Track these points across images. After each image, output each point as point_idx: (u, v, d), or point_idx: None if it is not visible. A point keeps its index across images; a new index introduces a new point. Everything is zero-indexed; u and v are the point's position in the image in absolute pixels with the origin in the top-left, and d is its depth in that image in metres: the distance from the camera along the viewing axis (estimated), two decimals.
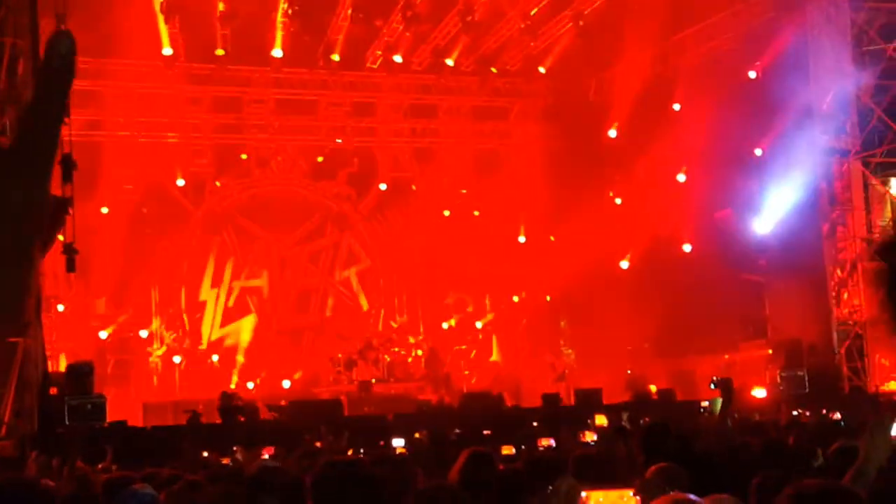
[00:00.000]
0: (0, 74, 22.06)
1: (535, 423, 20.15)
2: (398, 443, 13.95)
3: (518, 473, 6.65)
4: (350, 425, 20.37)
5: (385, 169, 35.40)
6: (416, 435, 14.55)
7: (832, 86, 26.00)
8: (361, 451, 13.92)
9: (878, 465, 5.09)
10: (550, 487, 3.67)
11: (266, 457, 14.00)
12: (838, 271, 26.21)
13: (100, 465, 13.59)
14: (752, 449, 8.76)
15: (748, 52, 28.07)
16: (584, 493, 3.63)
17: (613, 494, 3.71)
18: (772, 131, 26.83)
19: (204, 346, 33.21)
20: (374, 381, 30.40)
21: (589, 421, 17.84)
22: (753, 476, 6.66)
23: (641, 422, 14.80)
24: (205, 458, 17.06)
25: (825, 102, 25.93)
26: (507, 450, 13.69)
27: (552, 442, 13.81)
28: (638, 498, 3.76)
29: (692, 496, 3.11)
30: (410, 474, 7.54)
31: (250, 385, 31.19)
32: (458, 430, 16.02)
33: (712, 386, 24.48)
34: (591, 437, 12.08)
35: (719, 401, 11.61)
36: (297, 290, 35.43)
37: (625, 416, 16.15)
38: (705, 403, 18.34)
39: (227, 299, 34.33)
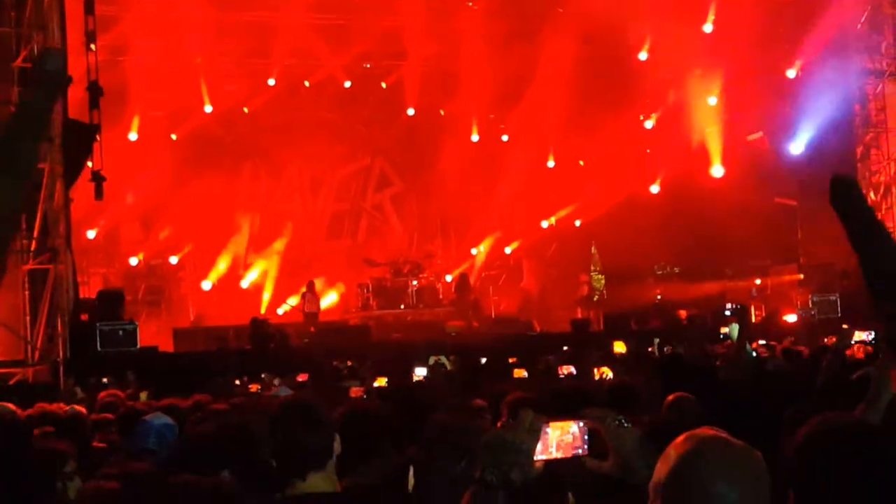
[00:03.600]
0: (27, 2, 22.04)
1: (565, 348, 20.12)
2: (421, 371, 13.91)
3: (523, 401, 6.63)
4: (375, 352, 20.52)
5: (413, 94, 35.19)
6: (433, 360, 14.49)
7: (867, 6, 25.66)
8: (385, 379, 13.91)
9: (890, 395, 5.06)
10: (511, 420, 3.64)
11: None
12: (872, 194, 26.01)
13: (126, 392, 13.68)
14: (773, 381, 8.72)
15: None
16: (547, 427, 3.59)
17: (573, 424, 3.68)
18: (805, 53, 26.52)
19: (236, 271, 33.30)
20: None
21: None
22: (772, 408, 6.61)
23: (666, 349, 14.79)
24: (235, 385, 17.19)
25: (859, 22, 25.60)
26: (519, 373, 13.67)
27: (573, 369, 13.74)
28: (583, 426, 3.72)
29: (720, 433, 3.05)
30: (426, 405, 7.54)
31: (284, 309, 31.24)
32: (483, 359, 16.00)
33: (728, 313, 24.43)
34: (606, 372, 11.98)
35: (735, 327, 11.49)
36: (329, 214, 35.50)
37: (656, 342, 16.05)
38: (725, 330, 18.22)
39: (260, 224, 34.41)
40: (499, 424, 3.86)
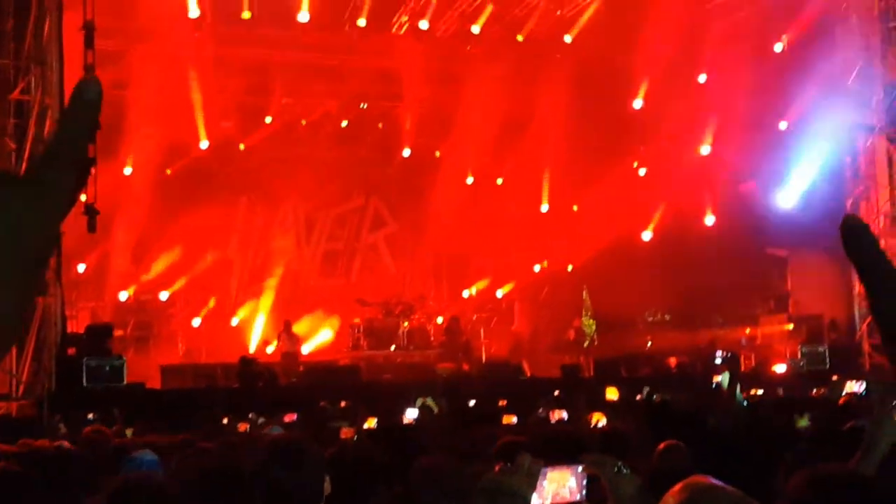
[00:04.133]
0: (26, 34, 22.13)
1: (556, 393, 20.11)
2: (412, 413, 13.91)
3: (515, 445, 6.63)
4: (365, 393, 20.49)
5: (409, 135, 35.33)
6: (420, 402, 14.47)
7: (858, 61, 25.82)
8: (375, 420, 13.90)
9: (887, 446, 5.06)
10: (510, 464, 3.63)
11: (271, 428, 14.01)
12: None
13: (112, 428, 13.63)
14: (762, 429, 8.73)
15: (775, 24, 27.91)
16: (545, 470, 3.59)
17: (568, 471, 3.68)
18: (797, 105, 26.69)
19: (227, 308, 33.27)
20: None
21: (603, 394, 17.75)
22: (762, 456, 6.62)
23: (655, 397, 14.80)
24: (223, 424, 17.13)
25: (851, 77, 25.76)
26: (508, 419, 13.67)
27: (564, 414, 13.74)
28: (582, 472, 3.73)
29: (713, 481, 3.06)
30: (417, 446, 7.54)
31: (271, 349, 31.22)
32: (472, 401, 16.00)
33: (718, 361, 24.50)
34: (598, 418, 11.97)
35: (726, 375, 11.54)
36: (322, 253, 35.55)
37: (645, 389, 16.07)
38: (718, 379, 18.30)
39: (253, 262, 34.44)
40: (496, 468, 3.84)
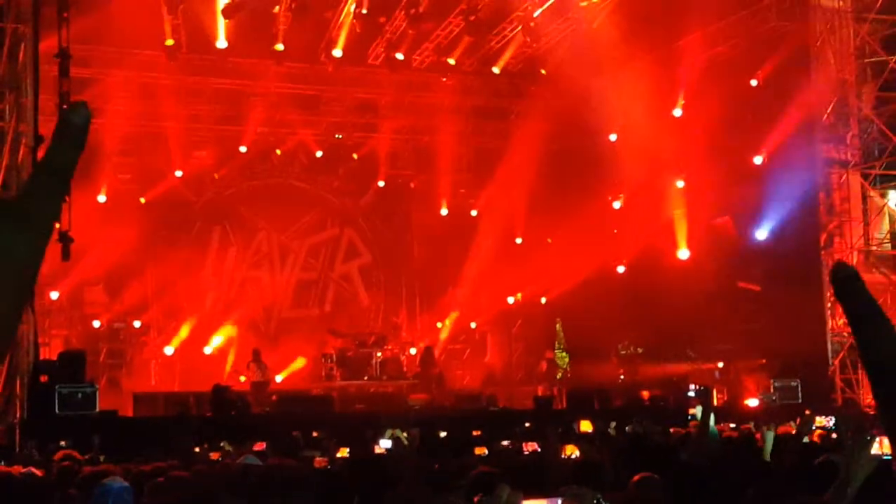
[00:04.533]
0: (1, 60, 22.09)
1: (527, 424, 20.12)
2: (385, 443, 13.88)
3: (487, 475, 6.63)
4: (337, 423, 20.45)
5: (384, 166, 35.41)
6: (389, 433, 14.42)
7: (833, 96, 26.00)
8: (348, 450, 13.87)
9: (860, 481, 5.07)
10: (487, 497, 3.64)
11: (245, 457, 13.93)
12: None
13: (86, 456, 13.56)
14: (732, 462, 8.74)
15: (751, 60, 28.04)
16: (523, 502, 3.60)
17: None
18: (772, 140, 26.82)
19: (200, 337, 33.13)
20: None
21: (574, 425, 17.76)
22: (733, 488, 6.64)
23: (627, 429, 14.81)
24: (195, 452, 17.03)
25: (826, 113, 25.93)
26: (480, 451, 13.65)
27: (537, 447, 13.75)
28: None
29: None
30: (389, 477, 7.53)
31: (243, 378, 31.11)
32: (443, 433, 15.96)
33: (691, 394, 24.56)
34: (572, 450, 11.97)
35: (699, 409, 11.52)
36: (295, 283, 35.49)
37: (612, 424, 16.06)
38: (693, 411, 18.34)
39: (227, 291, 34.36)
40: (475, 500, 3.84)
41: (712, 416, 10.72)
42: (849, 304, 1.28)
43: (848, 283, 1.28)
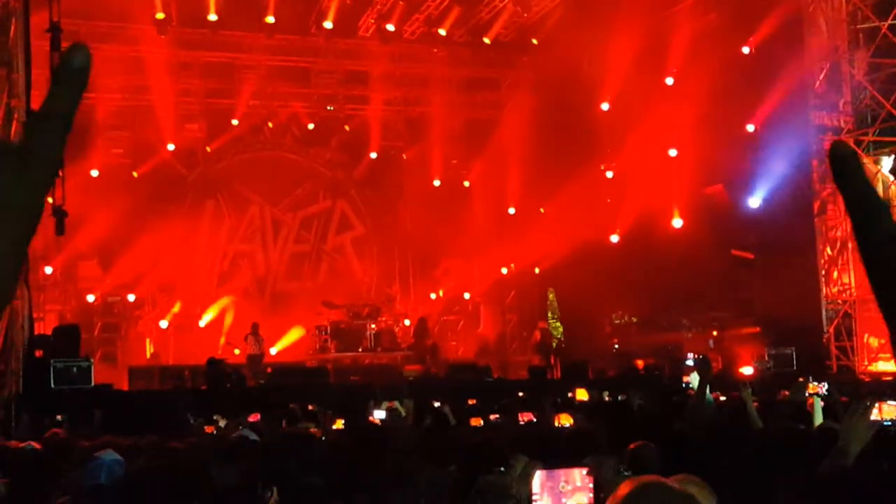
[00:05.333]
0: None
1: (521, 394, 20.15)
2: (379, 414, 13.91)
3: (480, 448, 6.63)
4: (333, 395, 20.47)
5: (376, 137, 35.37)
6: (386, 406, 14.46)
7: (825, 63, 25.95)
8: (343, 422, 13.89)
9: (858, 448, 5.09)
10: (502, 468, 3.64)
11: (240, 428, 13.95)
12: (828, 249, 26.18)
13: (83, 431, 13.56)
14: (728, 430, 8.76)
15: (742, 27, 27.96)
16: (539, 471, 3.60)
17: (572, 473, 3.68)
18: (764, 107, 26.78)
19: (194, 310, 33.15)
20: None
21: (570, 395, 17.79)
22: (726, 456, 6.65)
23: (621, 398, 14.84)
24: (190, 425, 17.05)
25: (818, 80, 25.89)
26: (475, 421, 13.65)
27: (533, 416, 13.77)
28: (589, 476, 3.73)
29: (663, 479, 3.07)
30: (386, 445, 7.54)
31: (237, 351, 31.12)
32: (437, 403, 15.94)
33: (689, 363, 24.59)
34: (566, 420, 11.98)
35: (695, 377, 11.53)
36: (289, 256, 35.48)
37: (605, 393, 16.10)
38: (687, 380, 18.37)
39: (221, 264, 34.37)
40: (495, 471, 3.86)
41: (707, 385, 10.75)
42: (845, 187, 1.27)
43: (845, 164, 1.27)
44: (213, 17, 29.75)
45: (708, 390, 11.19)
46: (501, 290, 36.43)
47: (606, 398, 15.77)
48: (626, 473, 3.93)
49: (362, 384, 24.82)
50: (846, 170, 1.27)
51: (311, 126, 34.67)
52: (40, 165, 1.23)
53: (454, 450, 7.62)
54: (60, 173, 22.37)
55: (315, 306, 32.33)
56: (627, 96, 29.89)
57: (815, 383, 15.13)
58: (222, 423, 15.92)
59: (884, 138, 26.11)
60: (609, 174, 32.64)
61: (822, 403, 9.71)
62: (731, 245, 28.31)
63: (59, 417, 17.01)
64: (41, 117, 1.26)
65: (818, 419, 8.87)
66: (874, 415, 5.24)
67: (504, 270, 36.10)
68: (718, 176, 28.95)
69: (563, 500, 3.67)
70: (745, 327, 28.01)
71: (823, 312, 25.95)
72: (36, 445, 10.16)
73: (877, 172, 26.42)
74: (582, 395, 17.82)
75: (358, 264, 36.27)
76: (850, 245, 25.71)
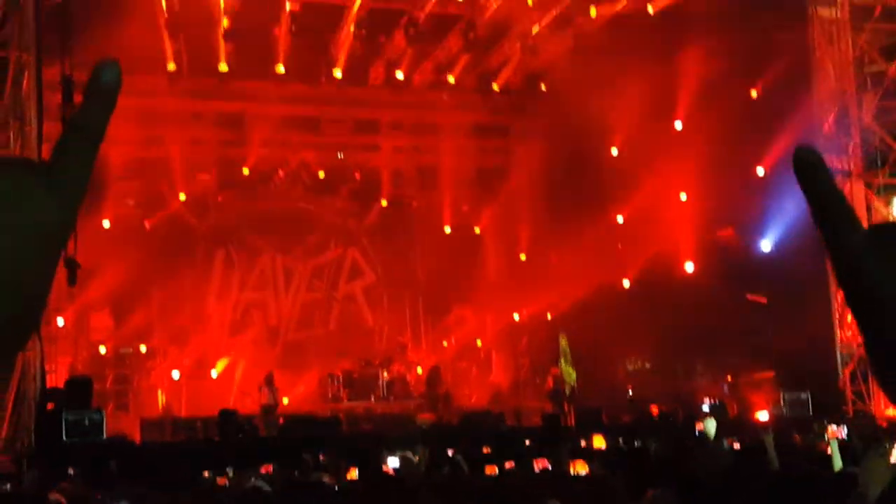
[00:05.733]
0: (5, 88, 22.11)
1: (527, 442, 20.06)
2: (393, 463, 13.86)
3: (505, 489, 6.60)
4: (345, 444, 20.38)
5: (387, 185, 35.46)
6: (402, 453, 14.40)
7: (834, 106, 25.98)
8: (356, 471, 13.83)
9: (878, 491, 5.04)
10: None
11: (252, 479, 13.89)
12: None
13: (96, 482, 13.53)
14: (742, 474, 8.70)
15: (750, 72, 28.02)
16: None
17: None
18: (774, 151, 26.78)
19: (207, 361, 33.10)
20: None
21: (584, 442, 17.74)
22: (743, 501, 6.59)
23: (637, 444, 14.76)
24: (203, 477, 16.98)
25: (827, 123, 25.90)
26: (490, 469, 13.57)
27: (548, 464, 13.69)
28: None
29: None
30: (402, 495, 7.49)
31: (250, 402, 31.03)
32: (451, 451, 15.88)
33: (705, 409, 24.48)
34: (582, 468, 11.90)
35: (712, 423, 11.47)
36: (301, 305, 35.47)
37: (620, 439, 16.02)
38: (701, 426, 18.29)
39: (232, 314, 34.37)
40: None
41: (713, 426, 10.72)
42: (811, 193, 1.24)
43: (811, 170, 1.24)
44: (223, 67, 29.85)
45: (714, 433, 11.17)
46: (514, 336, 36.35)
47: (622, 444, 15.70)
48: None
49: (375, 433, 24.74)
50: (812, 175, 1.25)
51: (321, 174, 34.74)
52: (71, 182, 1.22)
53: (470, 498, 7.57)
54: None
55: (327, 355, 32.28)
56: (637, 141, 29.95)
57: (835, 427, 15.07)
58: (231, 475, 15.85)
59: (894, 180, 26.11)
60: (620, 219, 32.61)
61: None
62: (744, 289, 28.23)
63: (70, 471, 16.95)
64: (71, 135, 1.24)
65: (837, 463, 8.80)
66: (894, 457, 5.19)
67: (516, 317, 36.02)
68: (729, 219, 28.93)
69: None
70: (759, 372, 27.90)
71: (838, 356, 25.80)
72: (60, 498, 10.13)
73: (888, 215, 26.38)
74: (599, 442, 17.74)
75: (369, 312, 36.23)
76: None
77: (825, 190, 1.25)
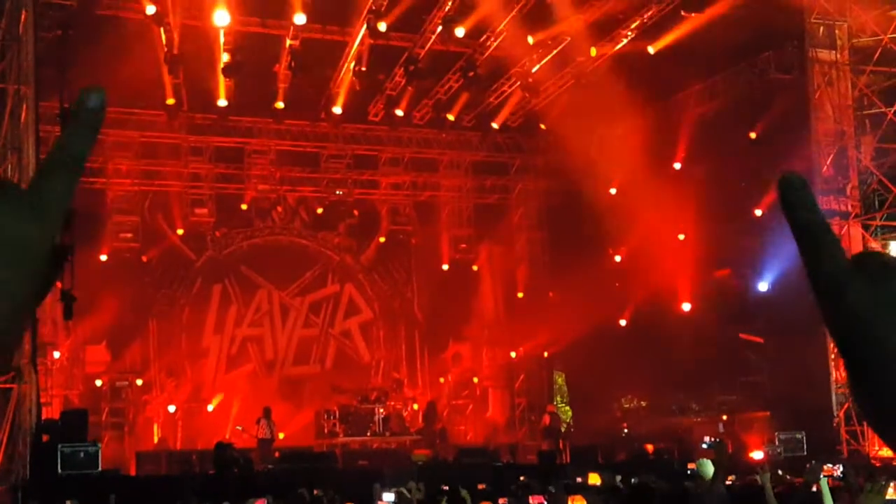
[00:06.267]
0: (3, 120, 22.17)
1: (521, 478, 20.03)
2: (388, 498, 13.84)
3: None
4: (341, 480, 20.35)
5: (385, 222, 35.53)
6: (398, 490, 14.39)
7: (832, 148, 26.08)
8: None
9: None
10: None
11: None
12: None
13: None
14: None
15: (749, 112, 28.16)
16: None
17: None
18: (772, 192, 26.80)
19: (202, 395, 33.05)
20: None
21: (579, 479, 17.72)
22: None
23: (633, 482, 14.75)
24: None
25: (825, 165, 25.98)
26: None
27: (543, 500, 13.70)
28: None
29: None
30: None
31: (240, 428, 30.93)
32: (445, 487, 15.86)
33: (705, 446, 24.45)
34: (579, 502, 11.91)
35: (708, 462, 11.43)
36: (297, 341, 35.44)
37: (618, 477, 15.99)
38: (693, 466, 18.25)
39: (228, 348, 34.33)
40: None
41: (711, 467, 10.71)
42: (794, 216, 1.27)
43: (795, 192, 1.27)
44: (222, 102, 29.94)
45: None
46: (510, 373, 36.32)
47: (619, 484, 15.66)
48: None
49: (371, 468, 24.69)
50: (795, 198, 1.27)
51: (319, 210, 34.80)
52: (53, 210, 1.24)
53: None
54: (69, 257, 22.50)
55: (323, 390, 32.23)
56: (635, 181, 30.00)
57: (830, 465, 15.07)
58: None
59: (891, 223, 26.19)
60: (617, 258, 32.68)
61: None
62: (740, 329, 28.27)
63: (68, 503, 16.93)
64: (54, 159, 1.26)
65: (828, 502, 8.79)
66: (889, 494, 5.21)
67: (513, 354, 36.01)
68: (727, 260, 29.00)
69: None
70: (754, 411, 27.90)
71: (833, 396, 25.81)
72: None
73: None
74: (594, 479, 17.71)
75: (366, 348, 36.20)
76: None
77: (808, 212, 1.27)
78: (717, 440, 22.77)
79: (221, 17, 25.68)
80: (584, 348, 31.36)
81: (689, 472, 19.61)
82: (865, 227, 26.22)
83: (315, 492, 18.14)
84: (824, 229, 1.25)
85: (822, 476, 12.86)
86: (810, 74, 26.33)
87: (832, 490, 11.71)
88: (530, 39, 28.79)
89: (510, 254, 35.05)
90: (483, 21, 27.55)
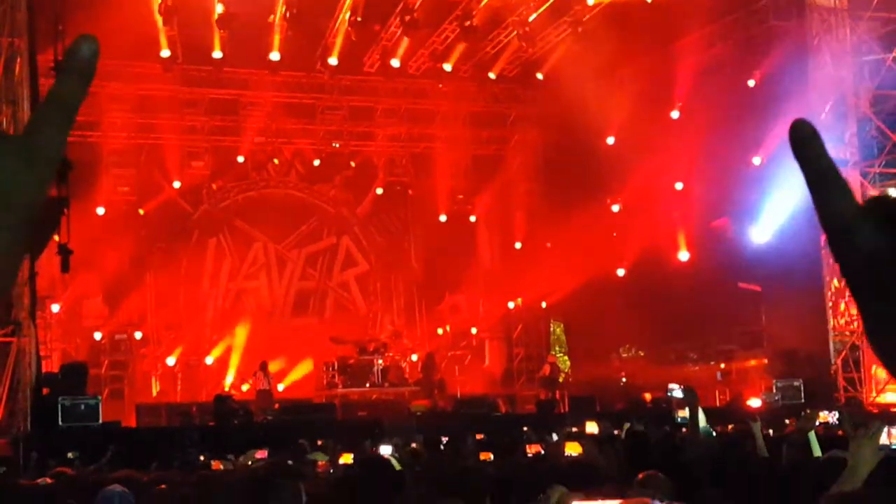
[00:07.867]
0: None
1: (525, 428, 20.09)
2: (386, 449, 13.85)
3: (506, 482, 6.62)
4: (340, 430, 20.41)
5: (382, 174, 35.46)
6: (396, 440, 14.42)
7: (831, 95, 25.99)
8: (351, 455, 13.83)
9: (866, 472, 5.06)
10: (541, 496, 3.61)
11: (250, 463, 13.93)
12: (835, 281, 26.11)
13: (92, 467, 13.59)
14: (730, 461, 8.71)
15: (747, 60, 28.06)
16: (574, 503, 3.58)
17: None
18: (770, 140, 26.78)
19: (201, 347, 33.11)
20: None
21: (575, 429, 17.73)
22: (734, 484, 6.62)
23: (627, 426, 14.80)
24: (198, 461, 17.01)
25: (824, 112, 25.90)
26: (485, 455, 13.55)
27: (541, 449, 13.72)
28: None
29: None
30: (397, 479, 7.50)
31: (245, 387, 31.03)
32: (445, 438, 15.89)
33: (675, 394, 24.28)
34: (574, 448, 11.93)
35: (692, 412, 11.43)
36: (294, 293, 35.46)
37: (626, 425, 16.02)
38: (682, 413, 18.28)
39: (225, 301, 34.36)
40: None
41: (702, 414, 10.72)
42: (806, 164, 1.27)
43: (806, 142, 1.27)
44: (217, 54, 29.80)
45: (704, 421, 11.16)
46: (508, 324, 36.36)
47: (616, 431, 15.68)
48: None
49: (370, 419, 24.78)
50: (807, 146, 1.27)
51: (316, 163, 34.74)
52: (45, 157, 1.23)
53: (464, 483, 7.58)
54: (66, 211, 22.46)
55: (322, 342, 32.27)
56: (633, 130, 29.93)
57: (826, 413, 15.11)
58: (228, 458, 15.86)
59: (890, 170, 26.14)
60: (615, 208, 32.64)
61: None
62: (738, 278, 28.26)
63: (70, 455, 16.99)
64: (47, 107, 1.25)
65: (815, 451, 8.83)
66: (883, 439, 5.21)
67: (511, 305, 36.05)
68: (725, 209, 28.97)
69: None
70: (752, 359, 27.97)
71: (831, 344, 25.88)
72: (48, 481, 10.18)
73: None
74: (592, 427, 17.73)
75: (363, 301, 36.23)
76: None
77: (820, 161, 1.27)
78: (687, 387, 22.66)
79: None
80: (581, 298, 31.37)
81: (676, 419, 19.72)
82: (864, 175, 26.18)
83: (319, 442, 18.20)
84: (834, 173, 1.25)
85: (817, 422, 12.91)
86: (809, 21, 26.22)
87: (828, 438, 11.74)
88: None
89: (508, 205, 35.01)
90: None
